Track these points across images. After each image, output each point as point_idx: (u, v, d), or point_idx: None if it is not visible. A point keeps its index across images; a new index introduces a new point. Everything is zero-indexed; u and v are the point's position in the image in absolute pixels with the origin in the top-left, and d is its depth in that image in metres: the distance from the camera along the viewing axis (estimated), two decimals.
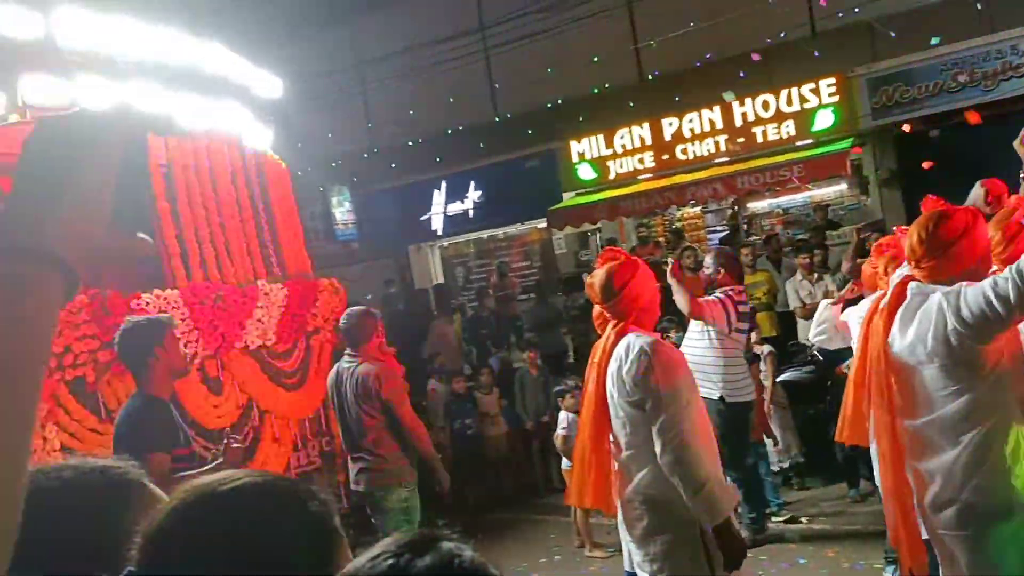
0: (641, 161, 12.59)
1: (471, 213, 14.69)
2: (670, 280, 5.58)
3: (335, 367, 5.14)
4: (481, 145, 13.24)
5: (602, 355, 3.25)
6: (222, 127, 6.80)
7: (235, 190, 6.86)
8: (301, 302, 6.92)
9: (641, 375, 3.06)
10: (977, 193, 3.65)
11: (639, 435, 3.13)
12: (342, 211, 15.24)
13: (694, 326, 5.80)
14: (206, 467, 3.42)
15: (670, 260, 6.67)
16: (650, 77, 12.44)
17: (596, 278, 3.30)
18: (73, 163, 0.78)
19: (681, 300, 5.58)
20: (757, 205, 13.38)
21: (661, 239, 13.32)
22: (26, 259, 0.75)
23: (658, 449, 3.01)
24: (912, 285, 2.82)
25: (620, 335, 3.21)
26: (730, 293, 5.69)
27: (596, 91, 12.31)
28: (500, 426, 8.23)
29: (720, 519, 2.98)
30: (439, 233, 15.25)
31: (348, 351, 4.96)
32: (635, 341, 3.15)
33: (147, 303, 5.72)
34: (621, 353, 3.17)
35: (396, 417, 4.64)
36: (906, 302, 2.81)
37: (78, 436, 5.30)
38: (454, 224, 14.99)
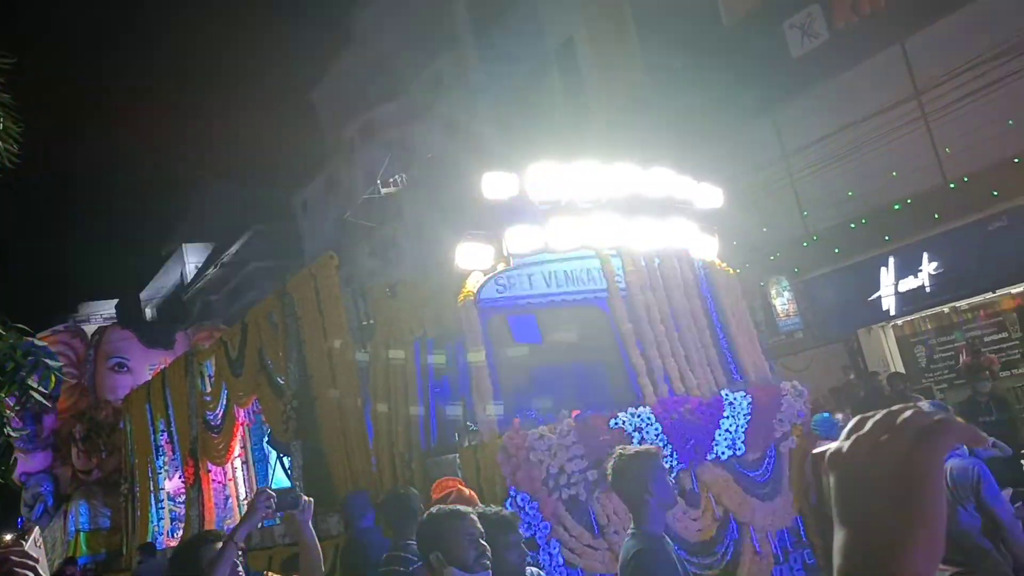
0: None
1: (927, 287, 13.40)
2: None
3: None
4: (936, 215, 12.12)
5: None
6: (671, 244, 7.09)
7: (688, 302, 7.06)
8: (766, 409, 6.79)
9: None
10: None
11: None
12: (782, 301, 14.99)
13: None
14: None
15: None
16: None
17: None
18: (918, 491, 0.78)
19: None
20: None
21: None
22: None
23: None
24: None
25: None
26: None
27: None
28: None
29: None
30: (891, 313, 14.10)
31: None
32: None
33: (623, 421, 6.05)
34: None
35: (993, 517, 4.16)
36: None
37: (576, 551, 5.69)
38: (908, 301, 13.77)
